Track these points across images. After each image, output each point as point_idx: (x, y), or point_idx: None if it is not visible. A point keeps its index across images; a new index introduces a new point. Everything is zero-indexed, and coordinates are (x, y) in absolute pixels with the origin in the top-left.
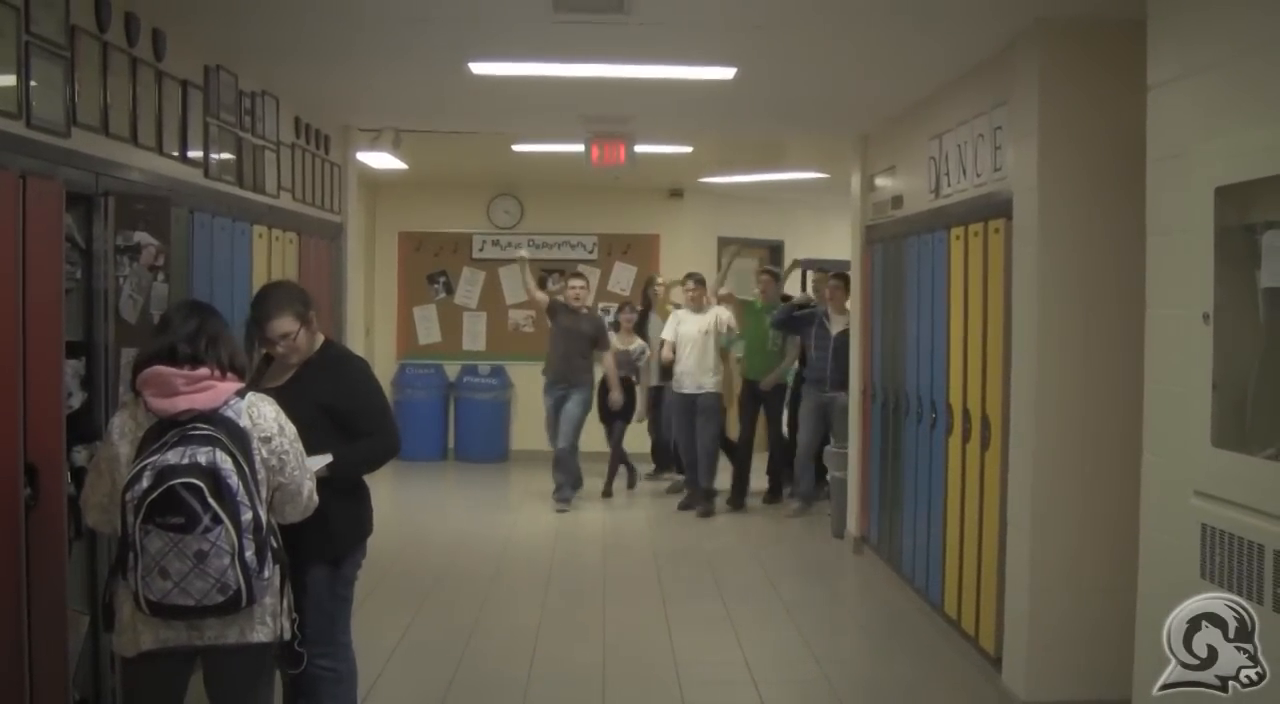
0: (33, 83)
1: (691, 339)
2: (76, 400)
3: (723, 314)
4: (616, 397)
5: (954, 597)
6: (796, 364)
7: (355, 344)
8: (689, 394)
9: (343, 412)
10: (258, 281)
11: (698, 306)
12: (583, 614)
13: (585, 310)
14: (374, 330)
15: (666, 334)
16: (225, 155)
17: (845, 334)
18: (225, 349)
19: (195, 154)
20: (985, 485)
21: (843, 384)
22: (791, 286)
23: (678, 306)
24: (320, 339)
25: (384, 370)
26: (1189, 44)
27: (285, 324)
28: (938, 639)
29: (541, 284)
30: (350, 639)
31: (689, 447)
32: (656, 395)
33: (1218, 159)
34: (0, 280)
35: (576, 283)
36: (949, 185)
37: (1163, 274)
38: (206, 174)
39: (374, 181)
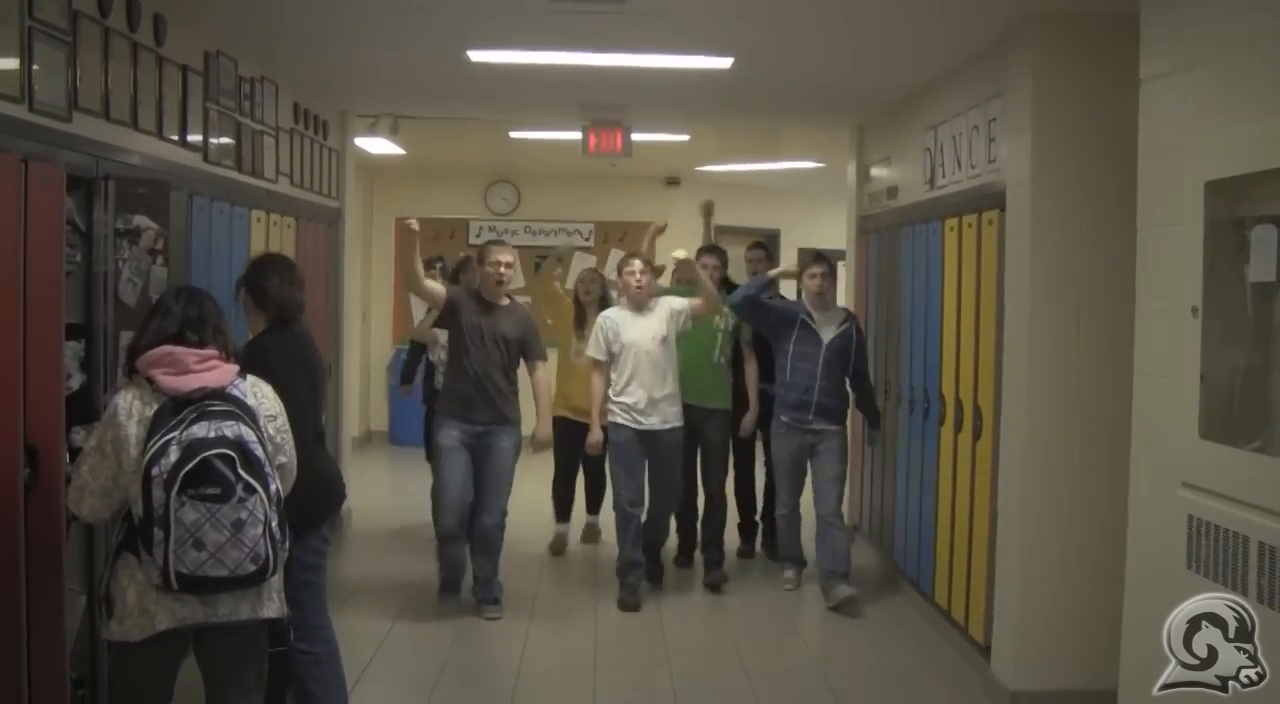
0: (35, 67)
1: (643, 352)
2: (76, 382)
3: (675, 303)
4: (546, 435)
5: (944, 586)
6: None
7: (352, 329)
8: (651, 431)
9: None
10: None
11: (642, 302)
12: (575, 599)
13: (508, 301)
14: (370, 315)
15: (595, 351)
16: (224, 140)
17: (843, 341)
18: (228, 333)
19: (195, 138)
20: (976, 475)
21: (836, 415)
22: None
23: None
24: (258, 326)
25: (380, 355)
26: (1181, 39)
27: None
28: (927, 628)
29: (536, 269)
30: (326, 621)
31: (639, 499)
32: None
33: (1208, 154)
34: (1, 262)
35: (501, 256)
36: (944, 176)
37: (1153, 267)
38: (206, 158)
39: (371, 167)
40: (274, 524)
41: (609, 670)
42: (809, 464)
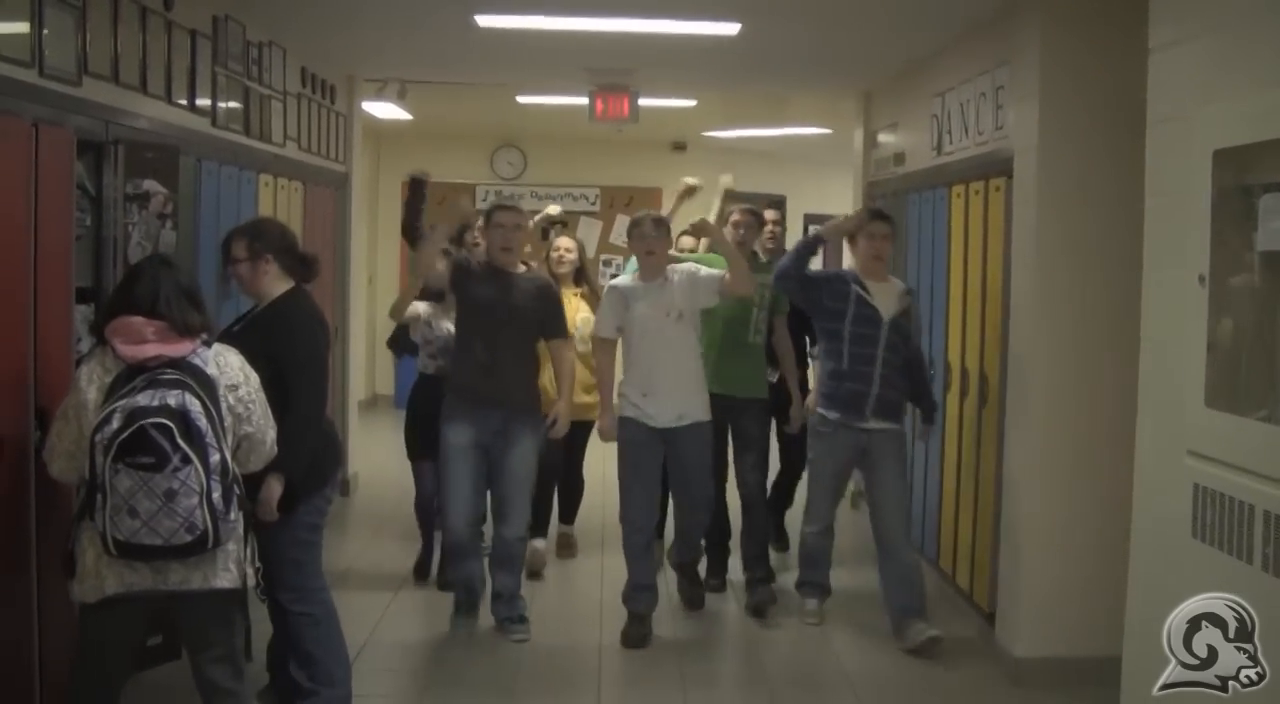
0: (45, 31)
1: (654, 330)
2: (86, 345)
3: (701, 272)
4: (563, 423)
5: (949, 553)
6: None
7: (358, 293)
8: (664, 429)
9: (277, 364)
10: None
11: (655, 270)
12: (583, 557)
13: (525, 268)
14: (377, 279)
15: (604, 328)
16: (232, 104)
17: (905, 319)
18: (194, 307)
19: (203, 103)
20: (982, 443)
21: (896, 410)
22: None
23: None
24: (280, 288)
25: (385, 319)
26: (1190, 8)
27: (236, 249)
28: (933, 595)
29: (544, 236)
30: (322, 583)
31: (649, 513)
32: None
33: (1216, 122)
34: (13, 227)
35: (506, 218)
36: (950, 143)
37: (1160, 236)
38: (214, 123)
39: (378, 131)
40: (215, 495)
41: (613, 620)
42: (857, 473)
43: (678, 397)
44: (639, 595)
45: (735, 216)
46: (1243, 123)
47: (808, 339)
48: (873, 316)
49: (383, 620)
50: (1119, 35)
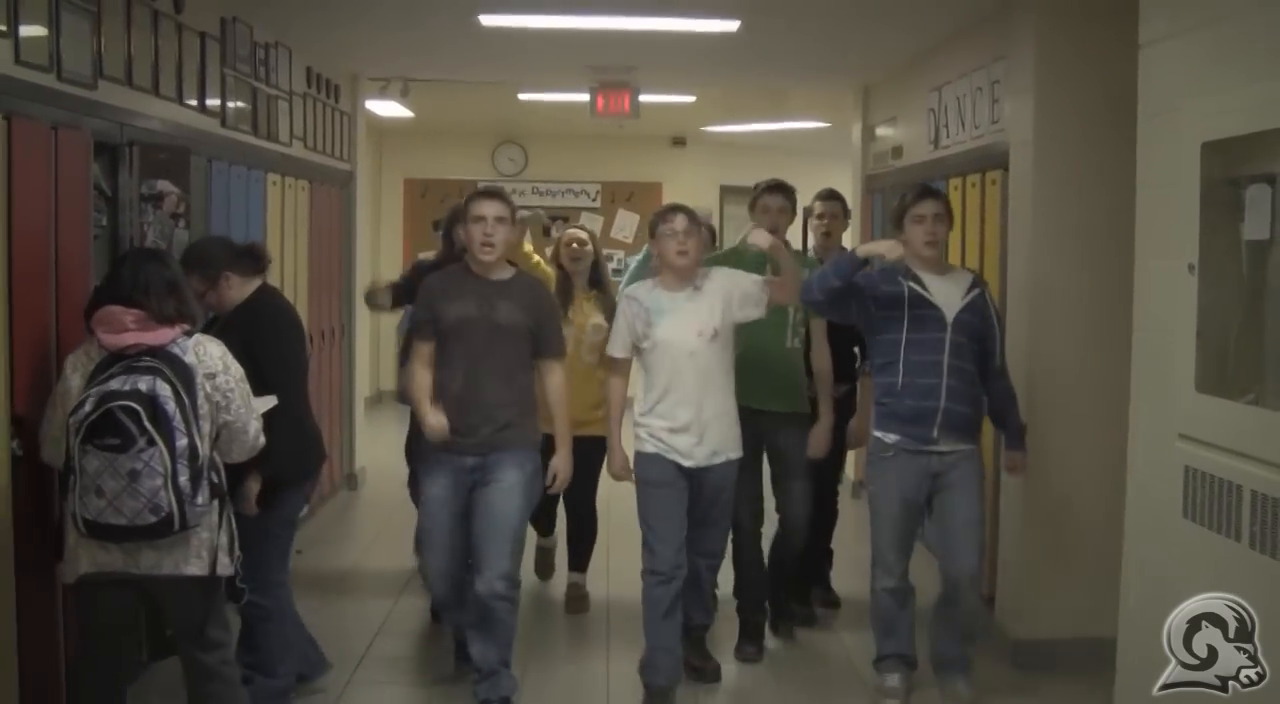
0: (62, 36)
1: (685, 353)
2: None
3: (742, 280)
4: (565, 466)
5: None
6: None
7: (363, 290)
8: (695, 468)
9: (255, 361)
10: (272, 228)
11: (686, 276)
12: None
13: (509, 272)
14: (380, 276)
15: (618, 347)
16: (241, 105)
17: (973, 316)
18: (173, 297)
19: (213, 104)
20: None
21: (969, 428)
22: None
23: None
24: (248, 291)
25: (390, 315)
26: (1180, 3)
27: (194, 285)
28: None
29: (545, 233)
30: (282, 579)
31: (676, 566)
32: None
33: (1205, 115)
34: (34, 228)
35: (484, 209)
36: (948, 137)
37: (1151, 226)
38: (223, 124)
39: (380, 129)
40: (181, 479)
41: (621, 623)
42: (929, 505)
43: (713, 431)
44: (661, 663)
45: (764, 200)
46: (1230, 116)
47: (858, 350)
48: (933, 317)
49: (387, 622)
50: (1112, 31)
